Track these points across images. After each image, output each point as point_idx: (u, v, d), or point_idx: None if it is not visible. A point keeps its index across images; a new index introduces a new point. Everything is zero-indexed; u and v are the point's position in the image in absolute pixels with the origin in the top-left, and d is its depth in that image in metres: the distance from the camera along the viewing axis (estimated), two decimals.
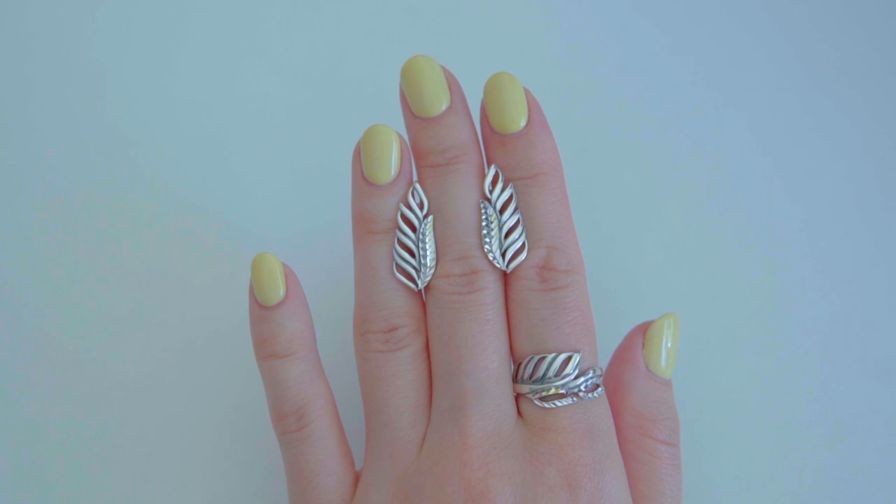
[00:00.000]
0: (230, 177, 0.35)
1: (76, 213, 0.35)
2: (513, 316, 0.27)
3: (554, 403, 0.26)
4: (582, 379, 0.26)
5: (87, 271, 0.34)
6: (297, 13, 0.37)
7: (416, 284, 0.27)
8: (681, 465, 0.28)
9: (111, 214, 0.35)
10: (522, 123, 0.27)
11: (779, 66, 0.37)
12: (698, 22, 0.38)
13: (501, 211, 0.26)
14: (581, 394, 0.26)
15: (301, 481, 0.27)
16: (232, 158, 0.35)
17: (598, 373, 0.26)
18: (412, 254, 0.27)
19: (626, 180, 0.36)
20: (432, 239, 0.27)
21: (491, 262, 0.26)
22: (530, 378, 0.26)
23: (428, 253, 0.26)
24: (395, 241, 0.27)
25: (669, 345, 0.28)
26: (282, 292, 0.27)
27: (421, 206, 0.27)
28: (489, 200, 0.27)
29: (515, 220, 0.26)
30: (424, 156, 0.27)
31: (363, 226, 0.27)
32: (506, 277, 0.27)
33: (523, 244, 0.26)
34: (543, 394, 0.26)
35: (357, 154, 0.27)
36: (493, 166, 0.27)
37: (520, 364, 0.26)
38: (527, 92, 0.27)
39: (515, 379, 0.26)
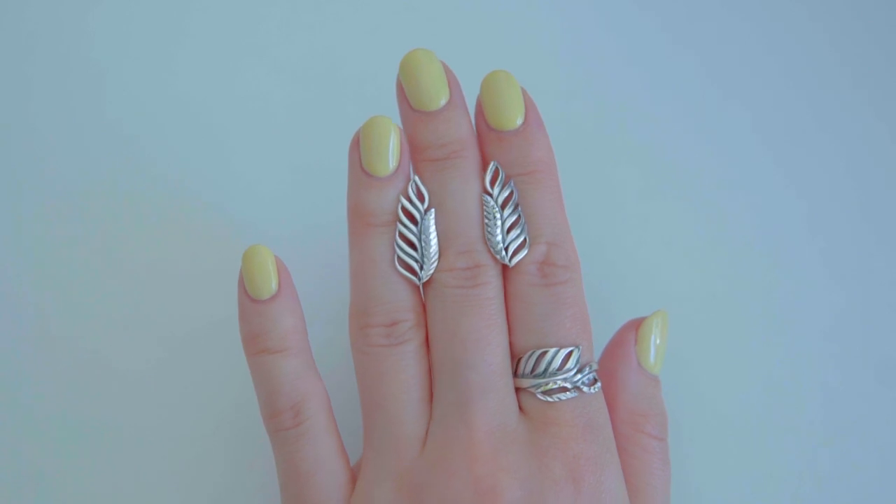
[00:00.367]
0: (229, 174, 0.35)
1: (76, 209, 0.34)
2: (512, 311, 0.27)
3: (557, 397, 0.26)
4: (582, 373, 0.26)
5: (86, 267, 0.33)
6: (297, 12, 0.37)
7: (419, 278, 0.26)
8: (669, 461, 0.28)
9: (111, 211, 0.34)
10: (519, 121, 0.27)
11: (779, 63, 0.38)
12: (697, 17, 0.38)
13: (502, 206, 0.27)
14: (583, 388, 0.26)
15: (298, 480, 0.26)
16: (231, 156, 0.35)
17: (595, 367, 0.27)
18: (414, 247, 0.26)
19: (623, 177, 0.36)
20: (435, 232, 0.26)
21: (493, 257, 0.26)
22: (531, 372, 0.26)
23: (431, 246, 0.26)
24: (397, 234, 0.26)
25: (658, 342, 0.29)
26: (274, 286, 0.27)
27: (421, 199, 0.27)
28: (490, 195, 0.27)
29: (516, 216, 0.27)
30: (423, 150, 0.27)
31: (361, 218, 0.27)
32: (505, 272, 0.27)
33: (524, 240, 0.27)
34: (545, 388, 0.26)
35: (355, 145, 0.27)
36: (493, 162, 0.27)
37: (520, 359, 0.26)
38: (523, 91, 0.27)
39: (515, 374, 0.26)
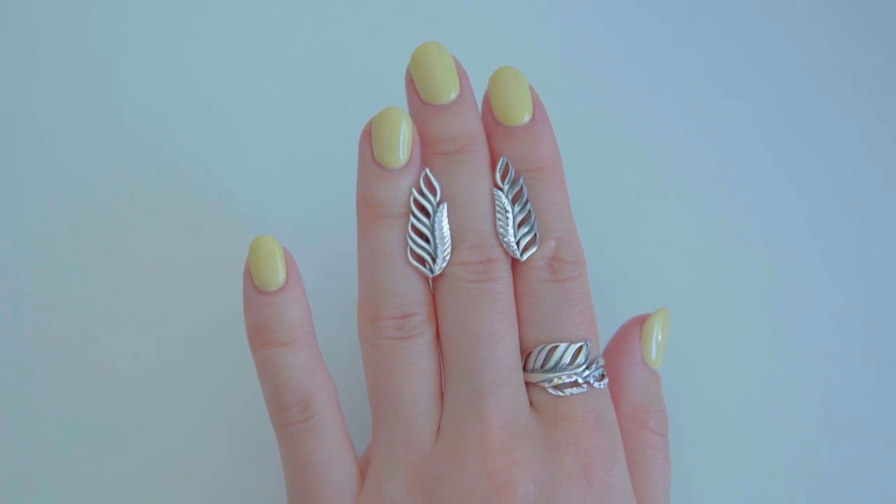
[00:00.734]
0: (232, 170, 0.34)
1: (78, 206, 0.34)
2: (522, 306, 0.27)
3: (568, 392, 0.26)
4: (591, 369, 0.26)
5: (89, 263, 0.33)
6: (298, 11, 0.37)
7: (431, 271, 0.26)
8: (670, 457, 0.28)
9: (114, 207, 0.34)
10: (527, 118, 0.27)
11: (779, 63, 0.38)
12: (697, 17, 0.38)
13: (513, 202, 0.27)
14: (593, 383, 0.26)
15: (306, 476, 0.26)
16: (234, 152, 0.35)
17: (603, 363, 0.27)
18: (426, 240, 0.26)
19: (624, 177, 0.36)
20: (447, 225, 0.26)
21: (505, 252, 0.26)
22: (542, 367, 0.26)
23: (445, 239, 0.26)
24: (409, 226, 0.26)
25: (660, 339, 0.29)
26: (282, 277, 0.26)
27: (433, 192, 0.26)
28: (501, 190, 0.27)
29: (526, 212, 0.27)
30: (433, 143, 0.27)
31: (372, 209, 0.26)
32: (514, 268, 0.27)
33: (535, 235, 0.27)
34: (556, 382, 0.26)
35: (366, 136, 0.27)
36: (503, 158, 0.27)
37: (530, 354, 0.26)
38: (531, 87, 0.27)
39: (525, 368, 0.26)
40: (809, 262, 0.35)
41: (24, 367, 0.32)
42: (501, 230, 0.26)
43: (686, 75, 0.37)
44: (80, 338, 0.32)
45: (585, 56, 0.37)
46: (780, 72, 0.38)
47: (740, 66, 0.38)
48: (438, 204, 0.26)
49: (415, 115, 0.27)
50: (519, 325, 0.26)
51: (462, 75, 0.27)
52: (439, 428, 0.26)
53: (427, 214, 0.26)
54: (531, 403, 0.26)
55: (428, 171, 0.27)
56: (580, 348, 0.26)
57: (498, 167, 0.27)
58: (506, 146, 0.27)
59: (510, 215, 0.26)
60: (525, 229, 0.26)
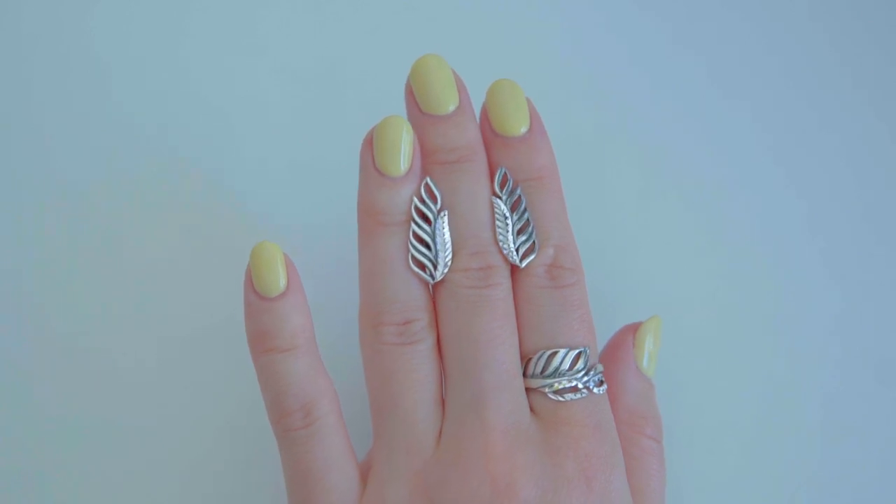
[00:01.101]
0: (233, 174, 0.35)
1: (77, 208, 0.34)
2: (522, 312, 0.27)
3: (568, 397, 0.26)
4: (590, 374, 0.26)
5: (89, 266, 0.33)
6: (297, 12, 0.37)
7: (432, 278, 0.26)
8: (664, 463, 0.29)
9: (114, 210, 0.34)
10: (524, 129, 0.27)
11: (779, 63, 0.38)
12: (697, 18, 0.38)
13: (511, 210, 0.27)
14: (592, 388, 0.26)
15: (308, 481, 0.26)
16: (235, 155, 0.35)
17: (602, 369, 0.27)
18: (427, 246, 0.26)
19: (623, 178, 0.36)
20: (448, 232, 0.27)
21: (505, 259, 0.27)
22: (542, 373, 0.26)
23: (447, 246, 0.26)
24: (410, 233, 0.26)
25: (652, 347, 0.30)
26: (283, 283, 0.26)
27: (433, 200, 0.27)
28: (500, 199, 0.27)
29: (525, 219, 0.27)
30: (433, 153, 0.27)
31: (373, 217, 0.27)
32: (513, 275, 0.27)
33: (533, 243, 0.27)
34: (556, 387, 0.26)
35: (368, 144, 0.27)
36: (501, 168, 0.27)
37: (529, 360, 0.27)
38: (528, 100, 0.28)
39: (525, 374, 0.27)
40: (809, 263, 0.36)
41: (23, 368, 0.32)
42: (501, 237, 0.27)
43: (685, 76, 0.38)
44: (81, 339, 0.33)
45: (586, 57, 0.38)
46: (780, 73, 0.38)
47: (740, 67, 0.38)
48: (439, 212, 0.27)
49: (415, 126, 0.27)
50: (518, 331, 0.27)
51: (461, 87, 0.28)
52: (440, 433, 0.26)
53: (428, 222, 0.27)
54: (531, 409, 0.26)
55: (429, 179, 0.27)
56: (579, 354, 0.26)
57: (496, 177, 0.27)
58: (504, 156, 0.27)
59: (509, 223, 0.27)
60: (523, 237, 0.27)
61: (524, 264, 0.27)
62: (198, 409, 0.32)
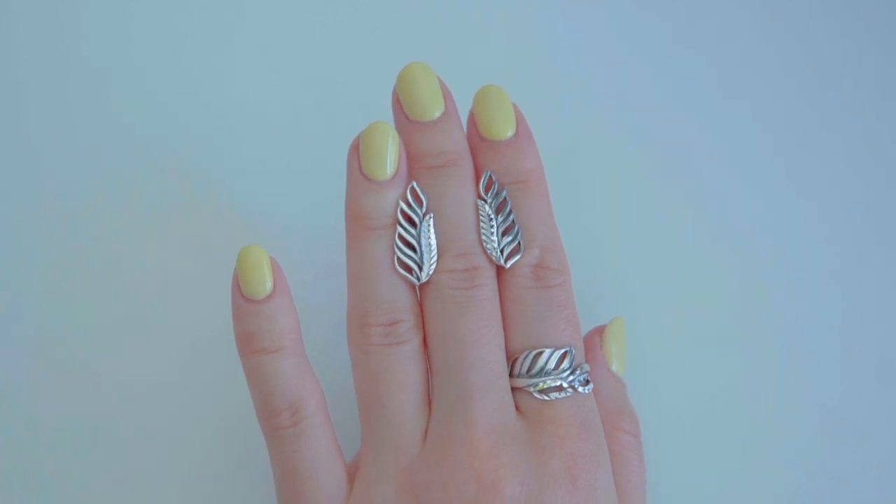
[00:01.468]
0: (225, 178, 0.35)
1: (72, 216, 0.34)
2: (508, 313, 0.27)
3: (553, 396, 0.26)
4: (576, 374, 0.27)
5: (85, 273, 0.34)
6: (296, 13, 0.37)
7: (417, 279, 0.27)
8: (644, 458, 0.29)
9: (110, 214, 0.34)
10: (510, 133, 0.28)
11: (778, 62, 0.38)
12: (697, 17, 0.38)
13: (496, 212, 0.27)
14: (578, 388, 0.27)
15: (296, 480, 0.26)
16: (227, 161, 0.35)
17: (588, 369, 0.27)
18: (413, 249, 0.27)
19: (622, 178, 0.36)
20: (433, 235, 0.27)
21: (490, 260, 0.27)
22: (527, 373, 0.27)
23: (432, 248, 0.27)
24: (396, 236, 0.27)
25: (617, 349, 0.30)
26: (269, 286, 0.27)
27: (419, 203, 0.27)
28: (485, 201, 0.27)
29: (510, 221, 0.27)
30: (419, 158, 0.28)
31: (360, 221, 0.27)
32: (499, 276, 0.27)
33: (518, 244, 0.27)
34: (541, 387, 0.26)
35: (354, 150, 0.28)
36: (486, 171, 0.28)
37: (515, 359, 0.27)
38: (514, 105, 0.28)
39: (512, 374, 0.27)
40: (809, 263, 0.35)
41: (23, 369, 0.33)
42: (486, 238, 0.27)
43: (684, 75, 0.38)
44: (81, 341, 0.33)
45: (582, 57, 0.38)
46: (780, 72, 0.38)
47: (739, 66, 0.38)
48: (425, 215, 0.27)
49: (402, 133, 0.28)
50: (505, 331, 0.27)
51: (447, 94, 0.28)
52: (427, 433, 0.26)
53: (413, 225, 0.27)
54: (517, 408, 0.27)
55: (415, 183, 0.27)
56: (565, 354, 0.26)
57: (482, 180, 0.28)
58: (490, 160, 0.28)
59: (494, 224, 0.27)
60: (508, 238, 0.27)
61: (509, 265, 0.27)
62: (195, 410, 0.32)
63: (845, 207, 0.36)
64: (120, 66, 0.36)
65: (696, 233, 0.36)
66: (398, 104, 0.28)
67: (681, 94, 0.37)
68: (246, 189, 0.35)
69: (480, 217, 0.27)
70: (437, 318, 0.27)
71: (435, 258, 0.27)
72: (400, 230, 0.27)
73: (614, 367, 0.30)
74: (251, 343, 0.27)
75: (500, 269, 0.27)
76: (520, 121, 0.28)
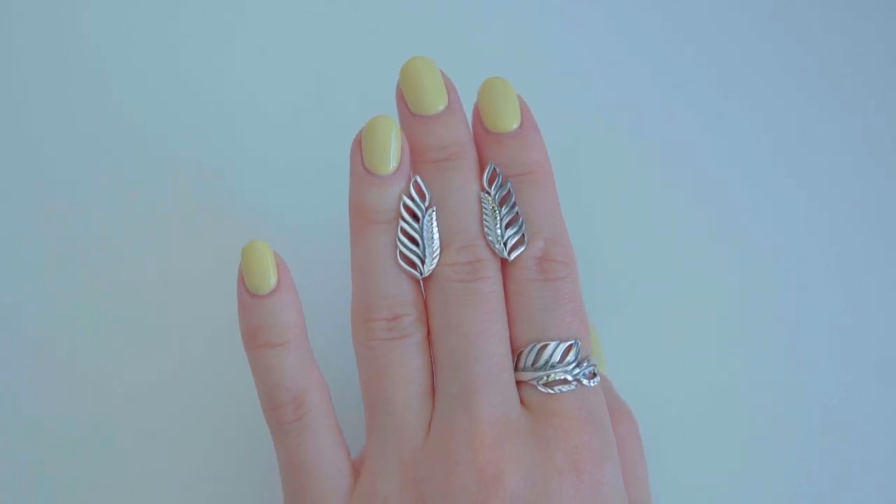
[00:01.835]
0: (228, 174, 0.35)
1: (75, 214, 0.34)
2: (512, 305, 0.27)
3: (558, 389, 0.26)
4: (582, 367, 0.26)
5: (88, 272, 0.34)
6: (297, 10, 0.37)
7: (420, 272, 0.27)
8: (644, 452, 0.29)
9: (110, 215, 0.34)
10: (516, 124, 0.28)
11: (779, 62, 0.38)
12: (697, 16, 0.39)
13: (500, 205, 0.27)
14: (583, 381, 0.26)
15: (301, 472, 0.26)
16: (230, 157, 0.35)
17: (595, 362, 0.27)
18: (416, 242, 0.27)
19: (622, 177, 0.36)
20: (436, 228, 0.27)
21: (493, 252, 0.27)
22: (532, 366, 0.26)
23: (434, 241, 0.27)
24: (399, 230, 0.27)
25: (595, 350, 0.31)
26: (273, 281, 0.27)
27: (422, 197, 0.27)
28: (488, 193, 0.27)
29: (514, 214, 0.27)
30: (423, 152, 0.28)
31: (363, 216, 0.27)
32: (504, 269, 0.27)
33: (522, 236, 0.27)
34: (546, 380, 0.26)
35: (357, 145, 0.28)
36: (490, 163, 0.28)
37: (521, 353, 0.27)
38: (519, 96, 0.28)
39: (517, 367, 0.27)
40: (810, 262, 0.36)
41: (24, 371, 0.33)
42: (489, 231, 0.27)
43: (685, 73, 0.38)
44: (82, 341, 0.33)
45: (585, 54, 0.38)
46: (779, 71, 0.38)
47: (740, 66, 0.38)
48: (428, 208, 0.27)
49: (405, 127, 0.28)
50: (510, 325, 0.27)
51: (450, 87, 0.28)
52: (431, 426, 0.26)
53: (416, 218, 0.27)
54: (522, 402, 0.26)
55: (418, 177, 0.27)
56: (570, 346, 0.26)
57: (485, 172, 0.28)
58: (495, 153, 0.28)
59: (497, 216, 0.27)
60: (512, 230, 0.27)
61: (512, 257, 0.27)
62: (199, 409, 0.32)
63: (846, 207, 0.36)
64: (120, 65, 0.36)
65: (697, 232, 0.36)
66: (402, 99, 0.28)
67: (681, 91, 0.37)
68: (248, 187, 0.35)
69: (484, 209, 0.27)
70: (441, 312, 0.27)
71: (437, 251, 0.27)
72: (402, 224, 0.27)
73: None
74: (256, 337, 0.27)
75: (504, 262, 0.27)
76: (525, 113, 0.28)
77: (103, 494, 0.31)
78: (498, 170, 0.28)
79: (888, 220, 0.36)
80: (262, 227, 0.34)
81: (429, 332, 0.27)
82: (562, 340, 0.26)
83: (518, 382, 0.27)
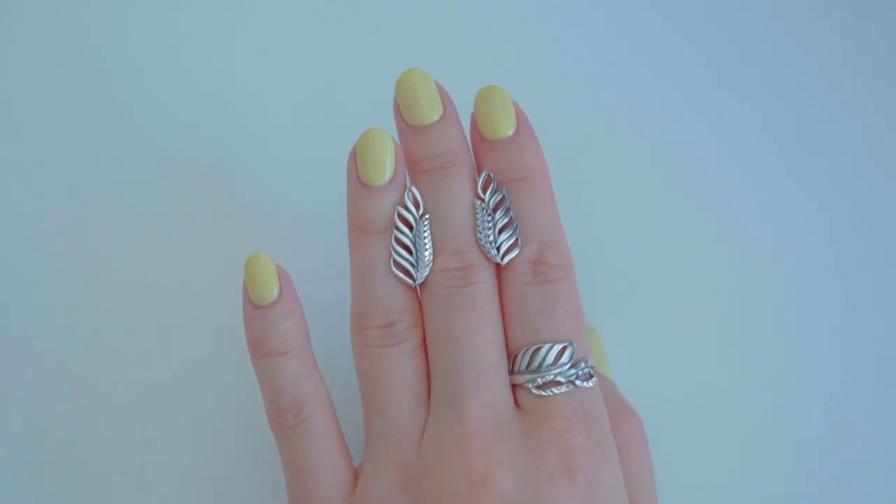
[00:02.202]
0: (230, 176, 0.35)
1: (75, 215, 0.34)
2: (507, 309, 0.28)
3: (551, 391, 0.26)
4: (577, 368, 0.27)
5: (89, 273, 0.34)
6: (297, 13, 0.38)
7: (414, 280, 0.27)
8: (650, 452, 0.29)
9: (110, 217, 0.35)
10: (511, 131, 0.28)
11: (779, 61, 0.38)
12: (697, 15, 0.39)
13: (494, 210, 0.28)
14: (577, 382, 0.27)
15: (302, 477, 0.27)
16: (233, 157, 0.36)
17: (592, 363, 0.27)
18: (409, 251, 0.27)
19: (622, 177, 0.37)
20: (430, 236, 0.28)
21: (486, 257, 0.27)
22: (527, 368, 0.27)
23: (426, 249, 0.27)
24: (392, 239, 0.28)
25: (597, 353, 0.31)
26: (275, 291, 0.28)
27: (417, 206, 0.28)
28: (482, 200, 0.28)
29: (508, 218, 0.28)
30: (419, 162, 0.28)
31: (360, 226, 0.28)
32: (499, 273, 0.28)
33: (516, 240, 0.28)
34: (540, 381, 0.26)
35: (353, 158, 0.28)
36: (485, 170, 0.28)
37: (515, 356, 0.27)
38: (515, 103, 0.29)
39: (512, 371, 0.27)
40: (810, 262, 0.36)
41: (25, 372, 0.33)
42: (481, 236, 0.27)
43: (686, 74, 0.38)
44: (83, 342, 0.33)
45: (583, 56, 0.38)
46: (779, 71, 0.38)
47: (741, 65, 0.38)
48: (421, 217, 0.28)
49: (402, 138, 0.29)
50: (505, 328, 0.27)
51: (445, 97, 0.29)
52: (425, 430, 0.27)
53: (410, 227, 0.28)
54: (517, 405, 0.27)
55: (413, 187, 0.28)
56: (564, 348, 0.27)
57: (480, 179, 0.28)
58: (491, 159, 0.28)
59: (490, 223, 0.28)
60: (506, 235, 0.27)
61: (506, 261, 0.27)
62: (200, 412, 0.33)
63: (846, 207, 0.36)
64: (121, 65, 0.36)
65: (697, 232, 0.36)
66: (398, 111, 0.29)
67: (681, 92, 0.38)
68: (248, 187, 0.35)
69: (478, 215, 0.28)
70: (434, 318, 0.27)
71: (430, 259, 0.27)
72: (396, 233, 0.28)
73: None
74: (259, 347, 0.28)
75: (499, 267, 0.28)
76: (521, 118, 0.28)
77: (104, 495, 0.32)
78: (492, 176, 0.28)
79: (888, 220, 0.36)
80: (263, 227, 0.34)
81: (425, 339, 0.28)
82: (556, 342, 0.27)
83: (513, 386, 0.27)
